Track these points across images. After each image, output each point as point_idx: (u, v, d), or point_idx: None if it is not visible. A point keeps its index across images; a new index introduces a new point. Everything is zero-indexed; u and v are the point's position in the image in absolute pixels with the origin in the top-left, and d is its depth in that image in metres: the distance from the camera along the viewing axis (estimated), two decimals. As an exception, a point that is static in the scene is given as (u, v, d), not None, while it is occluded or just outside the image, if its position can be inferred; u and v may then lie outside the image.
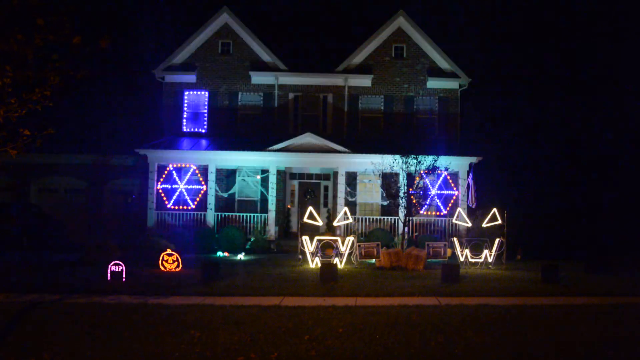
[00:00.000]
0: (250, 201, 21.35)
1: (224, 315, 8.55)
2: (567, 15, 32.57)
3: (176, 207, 19.65)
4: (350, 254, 15.33)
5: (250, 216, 19.86)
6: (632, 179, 24.51)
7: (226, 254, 17.35)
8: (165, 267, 13.57)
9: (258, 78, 21.83)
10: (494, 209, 15.85)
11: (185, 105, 21.85)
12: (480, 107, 26.17)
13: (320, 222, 16.47)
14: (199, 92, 21.90)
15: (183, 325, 7.91)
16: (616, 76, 28.22)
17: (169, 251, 13.79)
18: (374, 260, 14.83)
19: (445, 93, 22.04)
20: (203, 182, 19.81)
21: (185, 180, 19.75)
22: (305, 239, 15.18)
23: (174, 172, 19.76)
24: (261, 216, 19.81)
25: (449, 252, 15.78)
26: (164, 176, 19.73)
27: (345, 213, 16.18)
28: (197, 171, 19.83)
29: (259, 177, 21.28)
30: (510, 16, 33.25)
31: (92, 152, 21.32)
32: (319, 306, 9.31)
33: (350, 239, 15.37)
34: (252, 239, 18.89)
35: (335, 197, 20.43)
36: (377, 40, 21.92)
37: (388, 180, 18.04)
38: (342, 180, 19.66)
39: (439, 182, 19.54)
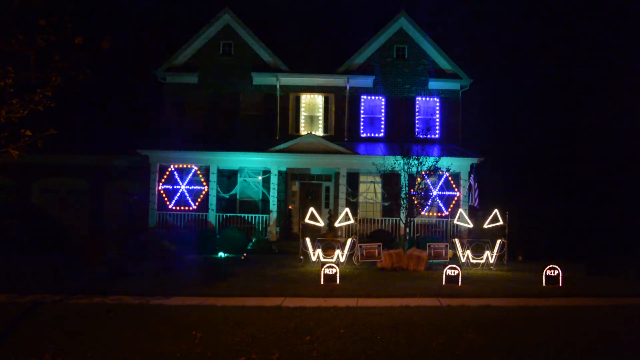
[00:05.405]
0: (251, 202, 21.35)
1: (226, 316, 8.55)
2: (569, 14, 32.54)
3: (178, 208, 19.64)
4: (351, 255, 15.31)
5: (251, 217, 19.86)
6: (632, 179, 24.46)
7: (228, 254, 17.34)
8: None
9: (259, 79, 21.84)
10: (496, 210, 15.83)
11: (187, 105, 21.84)
12: (482, 108, 26.18)
13: (321, 223, 16.46)
14: (200, 93, 21.88)
15: (184, 326, 7.91)
16: (617, 76, 28.17)
17: None
18: (375, 261, 14.81)
19: (447, 94, 22.03)
20: (205, 183, 19.80)
21: (187, 180, 19.74)
22: (306, 240, 15.17)
23: (175, 172, 19.76)
24: (263, 217, 19.81)
25: (450, 253, 15.76)
26: (165, 177, 19.73)
27: (347, 214, 16.16)
28: (198, 172, 19.82)
29: (260, 177, 21.28)
30: (512, 16, 33.23)
31: (93, 152, 21.30)
32: (321, 307, 9.30)
33: (351, 240, 15.36)
34: (254, 239, 18.87)
35: (336, 197, 20.42)
36: (378, 41, 21.93)
37: (389, 181, 18.03)
38: (343, 181, 19.65)
39: (441, 183, 19.51)
